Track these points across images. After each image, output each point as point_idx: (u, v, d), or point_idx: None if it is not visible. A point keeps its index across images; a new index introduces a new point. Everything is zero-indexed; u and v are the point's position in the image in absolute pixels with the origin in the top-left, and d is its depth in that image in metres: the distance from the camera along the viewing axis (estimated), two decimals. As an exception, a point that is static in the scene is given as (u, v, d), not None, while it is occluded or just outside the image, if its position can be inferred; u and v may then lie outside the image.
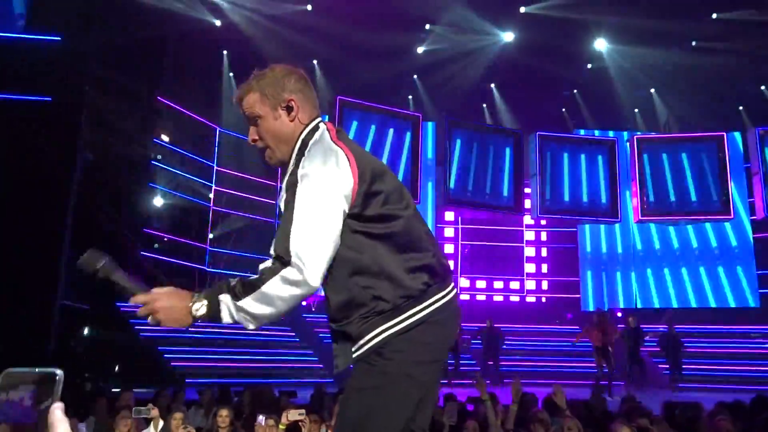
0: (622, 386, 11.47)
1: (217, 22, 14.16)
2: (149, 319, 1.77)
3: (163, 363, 11.40)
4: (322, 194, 1.76)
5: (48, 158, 8.90)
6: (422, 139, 16.27)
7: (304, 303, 15.91)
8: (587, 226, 17.63)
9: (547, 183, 16.38)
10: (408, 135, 16.07)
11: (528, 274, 18.59)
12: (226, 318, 1.75)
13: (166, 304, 1.75)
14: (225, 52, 15.43)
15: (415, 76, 17.24)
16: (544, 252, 18.81)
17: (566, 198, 16.48)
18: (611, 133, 17.56)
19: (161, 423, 4.75)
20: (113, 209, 12.14)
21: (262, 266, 1.86)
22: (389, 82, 16.27)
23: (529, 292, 18.50)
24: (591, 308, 17.11)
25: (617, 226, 17.28)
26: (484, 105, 18.28)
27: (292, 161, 1.93)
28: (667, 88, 17.26)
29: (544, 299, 18.57)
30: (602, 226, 17.48)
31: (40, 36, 9.40)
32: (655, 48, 15.60)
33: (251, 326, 1.77)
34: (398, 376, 1.82)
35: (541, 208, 16.32)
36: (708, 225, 17.13)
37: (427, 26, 15.54)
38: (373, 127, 15.82)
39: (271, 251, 1.83)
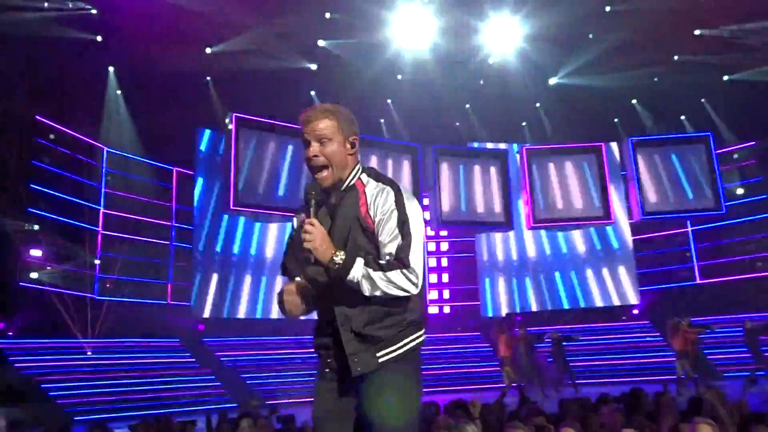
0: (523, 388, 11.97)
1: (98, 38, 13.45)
2: (307, 240, 2.17)
3: (47, 401, 10.58)
4: (422, 229, 2.34)
5: None
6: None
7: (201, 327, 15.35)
8: (483, 235, 18.31)
9: (443, 195, 16.91)
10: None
11: (430, 284, 19.02)
12: (355, 273, 2.18)
13: (325, 239, 2.20)
14: (111, 69, 14.71)
15: (313, 93, 17.23)
16: (444, 262, 19.33)
17: (463, 208, 17.06)
18: (503, 145, 18.41)
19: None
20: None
21: (386, 259, 2.25)
22: (288, 99, 16.12)
23: (432, 302, 18.91)
24: (490, 314, 17.76)
25: (511, 233, 18.09)
26: (382, 120, 18.57)
27: (355, 187, 2.37)
28: (551, 102, 18.34)
29: (447, 308, 19.04)
30: (497, 235, 18.22)
31: None
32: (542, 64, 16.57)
33: (367, 292, 2.20)
34: (419, 372, 2.39)
35: (439, 220, 16.79)
36: (592, 229, 18.33)
37: (321, 42, 15.59)
38: (271, 144, 15.63)
39: (393, 252, 2.23)
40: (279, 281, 2.44)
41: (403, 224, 2.25)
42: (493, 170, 17.65)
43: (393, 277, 2.19)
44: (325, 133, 2.30)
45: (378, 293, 2.19)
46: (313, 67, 15.93)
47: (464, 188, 17.25)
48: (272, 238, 16.57)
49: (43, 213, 12.99)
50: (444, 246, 19.46)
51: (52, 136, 13.47)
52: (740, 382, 11.03)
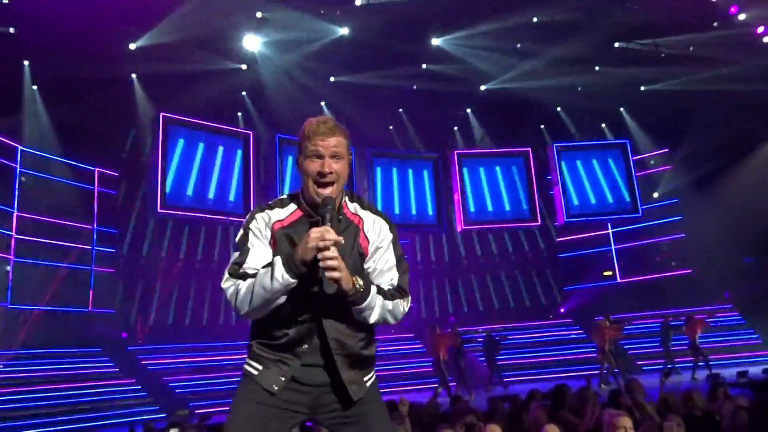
0: (454, 388, 12.19)
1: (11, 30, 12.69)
2: (333, 265, 2.09)
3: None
4: None
5: None
6: (254, 156, 16.01)
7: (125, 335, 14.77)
8: (417, 237, 18.55)
9: (378, 197, 17.01)
10: (239, 152, 15.73)
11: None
12: (371, 299, 2.20)
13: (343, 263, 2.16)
14: (26, 62, 13.90)
15: (244, 93, 16.92)
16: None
17: (396, 211, 17.22)
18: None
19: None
20: None
21: (388, 288, 2.31)
22: (215, 98, 15.74)
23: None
24: (424, 316, 17.98)
25: (443, 236, 18.40)
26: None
27: (347, 213, 2.38)
28: (480, 108, 18.79)
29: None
30: (431, 237, 18.50)
31: None
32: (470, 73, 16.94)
33: (372, 319, 2.23)
34: None
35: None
36: (521, 232, 18.91)
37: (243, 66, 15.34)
38: (201, 145, 15.24)
39: (395, 282, 2.32)
40: (228, 285, 2.23)
41: (401, 256, 2.36)
42: (426, 174, 17.90)
43: (396, 305, 2.27)
44: (340, 151, 2.28)
45: (378, 320, 2.24)
46: (243, 67, 15.61)
47: (399, 191, 17.42)
48: (201, 242, 16.16)
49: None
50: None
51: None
52: (657, 375, 11.66)
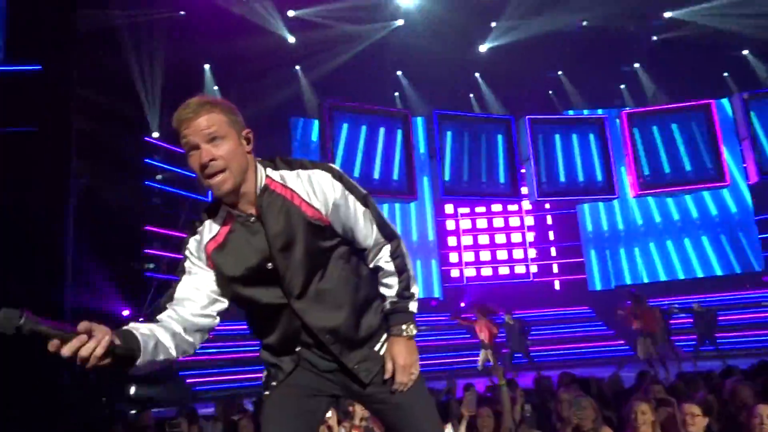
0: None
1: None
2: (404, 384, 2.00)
3: (179, 381, 11.42)
4: None
5: (40, 188, 8.84)
6: (413, 135, 16.27)
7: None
8: (586, 206, 17.63)
9: (542, 166, 16.38)
10: (399, 132, 16.06)
11: (532, 259, 18.58)
12: (414, 302, 2.03)
13: (408, 361, 2.01)
14: (207, 65, 15.39)
15: (399, 72, 17.20)
16: (551, 236, 18.78)
17: (562, 179, 16.47)
18: (600, 111, 17.56)
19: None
20: (112, 232, 12.08)
21: (386, 254, 2.01)
22: (372, 81, 16.22)
23: (536, 276, 18.48)
24: (598, 287, 17.12)
25: (616, 202, 17.28)
26: (471, 95, 18.26)
27: (273, 190, 2.02)
28: (651, 60, 17.23)
29: (557, 284, 18.50)
30: (601, 204, 17.48)
31: (20, 67, 9.33)
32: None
33: (415, 289, 2.04)
34: None
35: (538, 192, 16.31)
36: (706, 194, 17.14)
37: (399, 22, 15.42)
38: (363, 127, 15.80)
39: (378, 238, 1.99)
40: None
41: (365, 197, 1.96)
42: (591, 138, 16.86)
43: (403, 264, 2.01)
44: (214, 131, 1.80)
45: (412, 274, 2.03)
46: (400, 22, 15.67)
47: (563, 158, 16.61)
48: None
49: (159, 206, 13.95)
50: (548, 219, 18.91)
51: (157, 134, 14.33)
52: None
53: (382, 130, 15.93)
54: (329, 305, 1.93)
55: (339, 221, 1.93)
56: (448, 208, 18.60)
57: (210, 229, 1.94)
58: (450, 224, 18.74)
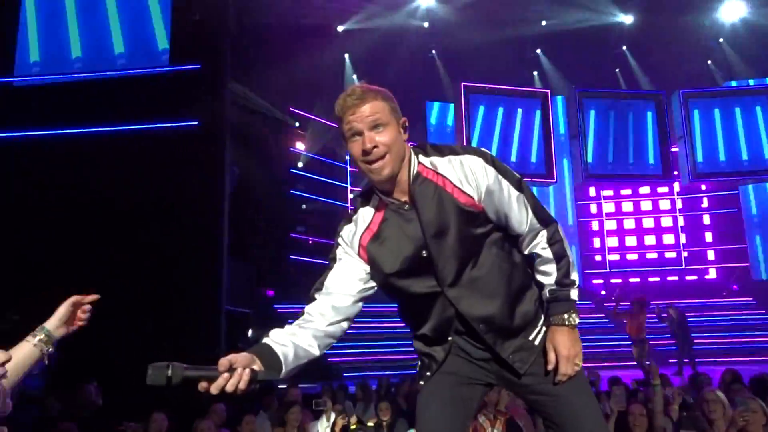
0: None
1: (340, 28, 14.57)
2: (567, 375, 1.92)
3: (322, 359, 11.95)
4: None
5: (200, 176, 9.68)
6: (553, 115, 15.64)
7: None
8: (750, 187, 15.92)
9: (697, 144, 15.02)
10: (537, 113, 15.52)
11: (684, 245, 17.18)
12: (575, 290, 1.95)
13: (572, 351, 1.93)
14: (346, 55, 15.83)
15: (539, 51, 16.56)
16: (706, 219, 17.25)
17: (722, 158, 14.99)
18: (769, 80, 15.72)
19: (333, 414, 5.02)
20: (261, 218, 12.94)
21: (543, 240, 1.95)
22: (510, 60, 15.77)
23: (690, 264, 17.08)
24: (764, 276, 15.48)
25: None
26: (618, 70, 17.10)
27: (426, 178, 2.04)
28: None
29: (713, 272, 16.99)
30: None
31: (182, 66, 10.24)
32: None
33: (575, 275, 1.95)
34: None
35: (692, 173, 14.99)
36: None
37: None
38: (500, 109, 15.48)
39: (534, 224, 1.93)
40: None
41: (519, 182, 1.91)
42: (759, 110, 15.14)
43: (563, 251, 1.93)
44: (378, 118, 1.84)
45: (571, 260, 1.95)
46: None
47: (723, 134, 15.10)
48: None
49: (302, 193, 14.71)
50: (704, 202, 17.38)
51: (297, 124, 15.04)
52: None
53: (519, 111, 15.49)
54: (483, 293, 1.90)
55: (492, 207, 1.90)
56: (591, 192, 17.71)
57: (364, 217, 1.97)
58: (593, 208, 17.85)
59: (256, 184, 12.66)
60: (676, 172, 15.56)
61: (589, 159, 15.12)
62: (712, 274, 16.98)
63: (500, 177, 1.88)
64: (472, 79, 15.32)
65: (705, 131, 15.13)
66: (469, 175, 1.87)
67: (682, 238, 17.23)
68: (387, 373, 9.64)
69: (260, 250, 12.93)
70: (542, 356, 1.96)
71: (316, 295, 1.92)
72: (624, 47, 16.59)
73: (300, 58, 13.12)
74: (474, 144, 14.86)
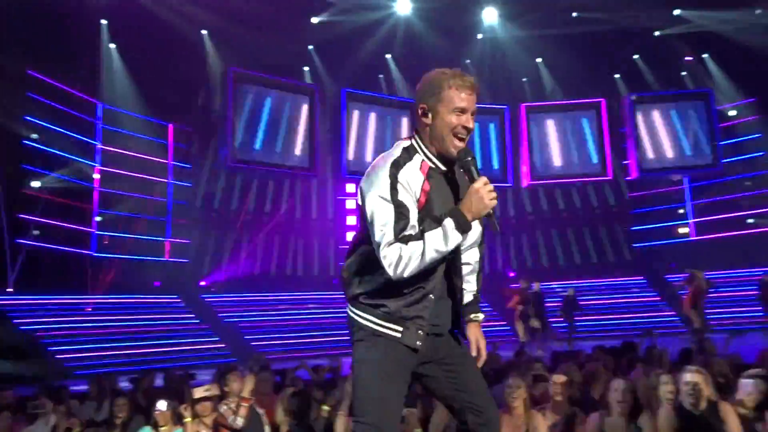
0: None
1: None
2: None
3: (47, 357, 10.73)
4: None
5: None
6: (318, 112, 16.12)
7: (203, 283, 15.42)
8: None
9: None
10: (305, 108, 15.87)
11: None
12: None
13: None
14: (104, 21, 14.32)
15: (311, 47, 16.88)
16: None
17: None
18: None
19: (53, 418, 4.58)
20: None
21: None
22: (284, 54, 15.81)
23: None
24: (487, 271, 17.88)
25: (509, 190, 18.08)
26: (381, 76, 18.23)
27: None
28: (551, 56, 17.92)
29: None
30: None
31: None
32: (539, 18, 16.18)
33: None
34: None
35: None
36: (590, 186, 18.33)
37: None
38: (269, 99, 15.45)
39: None
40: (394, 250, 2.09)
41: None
42: (491, 127, 17.55)
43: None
44: (476, 109, 2.29)
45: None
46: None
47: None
48: (270, 194, 16.61)
49: (37, 169, 12.90)
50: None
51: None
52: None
53: (288, 104, 15.67)
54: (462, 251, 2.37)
55: None
56: (349, 187, 18.60)
57: (413, 170, 2.22)
58: (350, 203, 18.75)
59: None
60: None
61: (350, 157, 15.95)
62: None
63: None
64: (242, 66, 15.09)
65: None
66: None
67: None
68: (125, 369, 9.08)
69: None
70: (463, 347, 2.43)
71: (412, 231, 2.12)
72: (388, 56, 17.69)
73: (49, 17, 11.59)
74: (240, 130, 14.71)
